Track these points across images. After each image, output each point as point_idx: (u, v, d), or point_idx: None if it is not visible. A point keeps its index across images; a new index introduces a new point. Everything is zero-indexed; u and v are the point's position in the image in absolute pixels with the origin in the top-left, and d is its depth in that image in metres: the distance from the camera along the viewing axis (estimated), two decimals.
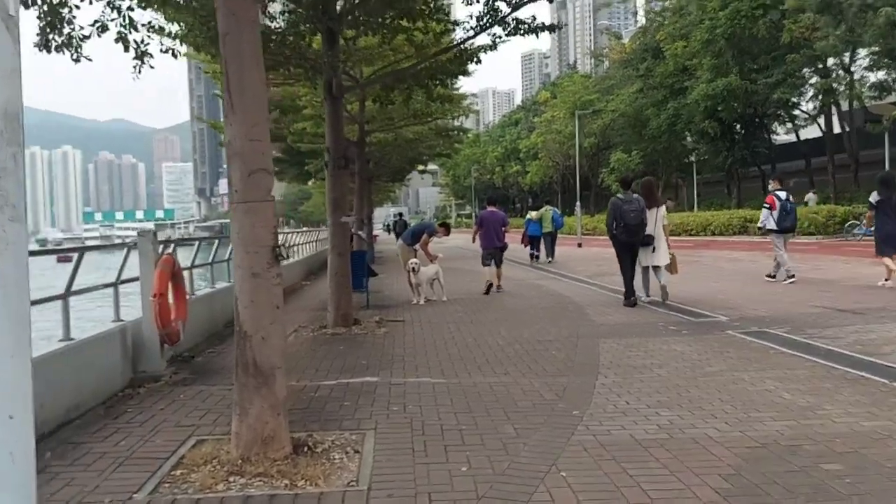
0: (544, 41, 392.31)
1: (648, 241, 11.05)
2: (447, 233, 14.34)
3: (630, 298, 11.18)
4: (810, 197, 32.14)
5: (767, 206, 13.50)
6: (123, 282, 6.84)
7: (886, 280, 12.11)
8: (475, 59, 10.12)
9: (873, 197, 12.57)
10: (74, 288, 6.01)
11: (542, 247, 23.00)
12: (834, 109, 35.86)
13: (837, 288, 12.29)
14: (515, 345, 8.06)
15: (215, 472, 3.91)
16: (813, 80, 34.39)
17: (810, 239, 26.82)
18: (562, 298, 12.61)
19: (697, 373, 6.38)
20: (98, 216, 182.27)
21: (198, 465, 4.05)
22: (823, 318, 9.26)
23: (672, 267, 11.40)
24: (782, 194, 13.40)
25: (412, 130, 19.03)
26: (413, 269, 12.48)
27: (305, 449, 4.23)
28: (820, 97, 33.89)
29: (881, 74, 30.21)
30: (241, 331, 4.10)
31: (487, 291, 13.63)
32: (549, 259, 22.71)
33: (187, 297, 7.00)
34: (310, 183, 37.25)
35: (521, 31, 9.67)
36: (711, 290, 12.99)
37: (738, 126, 41.74)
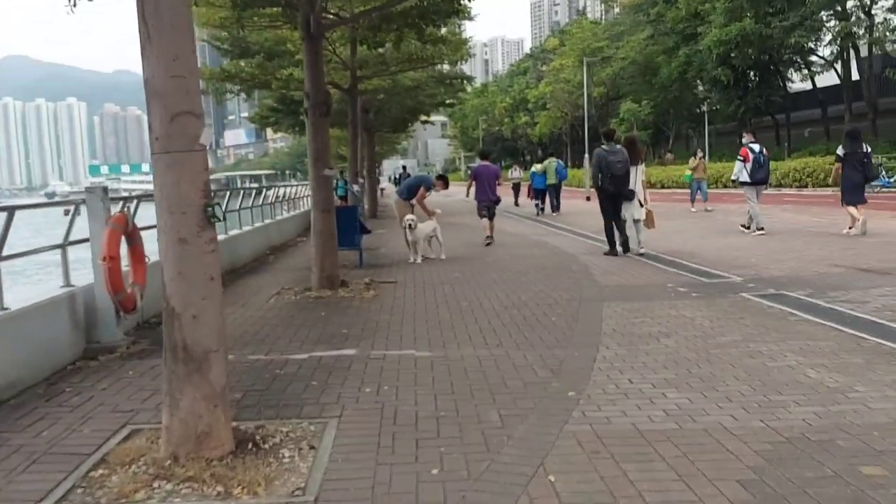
0: None
1: (631, 195, 11.31)
2: (445, 186, 13.66)
3: (612, 249, 11.50)
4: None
5: (741, 158, 13.69)
6: (72, 243, 6.20)
7: (850, 228, 12.74)
8: None
9: (840, 150, 13.00)
10: (11, 252, 5.35)
11: (548, 199, 22.38)
12: (853, 55, 34.45)
13: (859, 244, 11.55)
14: (513, 310, 7.42)
15: (139, 476, 3.31)
16: (831, 24, 32.87)
17: (826, 191, 25.87)
18: (566, 256, 11.93)
19: (709, 343, 5.73)
20: (104, 169, 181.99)
21: (122, 465, 3.45)
22: (846, 278, 8.56)
23: (648, 222, 11.72)
24: (756, 147, 13.57)
25: (410, 77, 18.10)
26: (409, 225, 11.78)
27: (251, 445, 3.61)
28: (839, 41, 32.41)
29: None
30: (168, 307, 3.45)
31: (489, 243, 13.86)
32: (555, 212, 22.06)
33: (147, 260, 6.33)
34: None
35: None
36: (725, 246, 12.29)
37: (752, 73, 40.33)
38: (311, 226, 8.86)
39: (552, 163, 21.96)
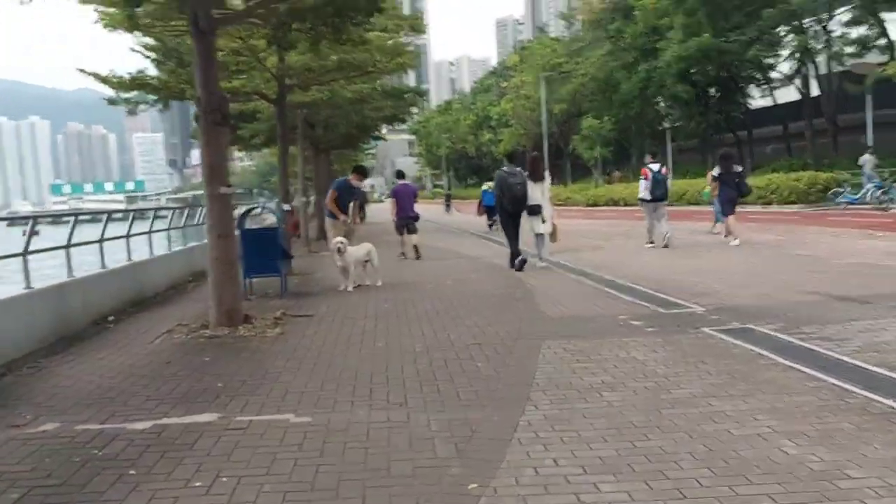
0: (518, 6, 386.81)
1: (537, 210, 11.84)
2: (361, 179, 12.81)
3: (515, 262, 11.89)
4: (866, 159, 25.38)
5: (643, 178, 14.77)
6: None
7: (728, 235, 14.42)
8: None
9: (716, 171, 15.01)
10: None
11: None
12: (812, 71, 34.22)
13: (832, 268, 10.60)
14: (436, 351, 6.25)
15: None
16: (789, 38, 32.56)
17: (792, 208, 25.29)
18: (513, 282, 10.81)
19: (663, 401, 4.61)
20: (66, 188, 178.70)
21: None
22: (821, 308, 7.55)
23: (553, 236, 12.34)
24: (654, 167, 14.75)
25: (350, 89, 16.94)
26: (339, 249, 10.56)
27: None
28: (797, 56, 32.11)
29: (862, 30, 28.49)
30: None
31: (413, 257, 14.67)
32: None
33: None
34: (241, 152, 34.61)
35: None
36: (686, 269, 11.30)
37: (712, 90, 39.98)
38: (208, 253, 7.59)
39: None
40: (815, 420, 4.12)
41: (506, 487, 3.34)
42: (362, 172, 12.65)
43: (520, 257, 11.85)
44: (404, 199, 15.00)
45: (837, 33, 30.00)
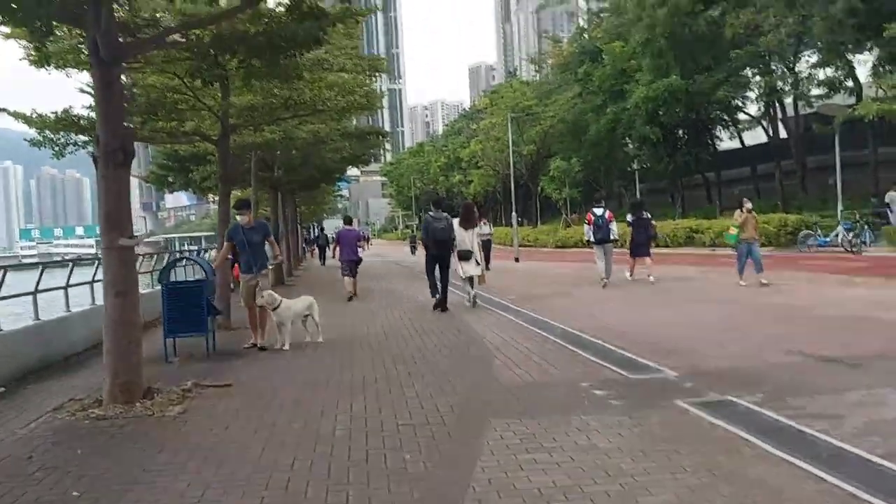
0: (490, 53, 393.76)
1: (468, 255, 12.58)
2: (247, 214, 9.91)
3: (438, 305, 12.54)
4: (893, 196, 23.90)
5: (587, 222, 16.02)
6: None
7: (652, 277, 15.83)
8: (324, 14, 7.16)
9: (629, 217, 16.80)
10: None
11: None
12: (780, 113, 34.20)
13: (812, 320, 9.77)
14: (358, 438, 5.19)
15: None
16: (756, 79, 32.53)
17: (763, 251, 24.65)
18: (469, 337, 9.82)
19: None
20: (36, 233, 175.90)
21: None
22: (806, 373, 6.67)
23: (481, 278, 13.30)
24: (598, 211, 15.79)
25: (306, 130, 16.03)
26: (271, 305, 9.38)
27: None
28: (764, 96, 32.02)
29: (829, 71, 28.46)
30: None
31: (350, 299, 15.39)
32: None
33: None
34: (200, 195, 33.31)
35: None
36: (656, 321, 10.42)
37: (681, 131, 39.88)
38: (104, 314, 6.49)
39: None
40: None
41: None
42: (243, 207, 10.12)
43: (439, 298, 12.57)
44: (347, 243, 15.82)
45: (805, 74, 29.94)
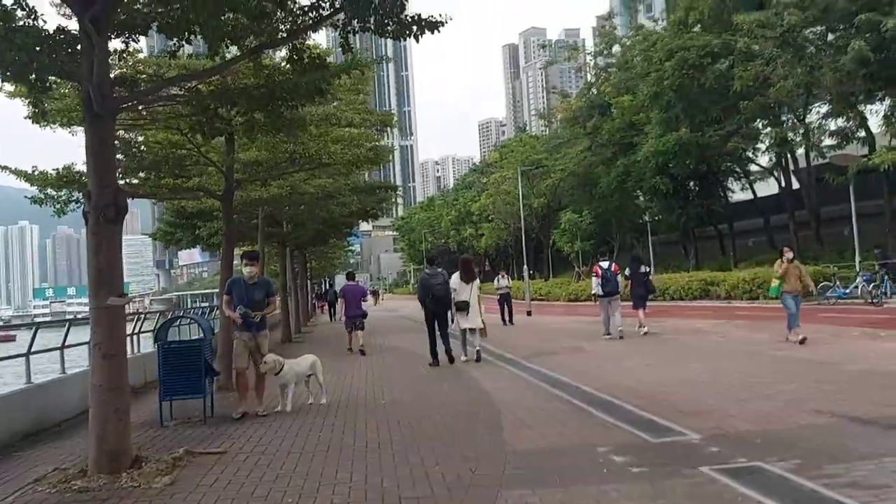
0: (500, 109, 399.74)
1: (465, 307, 12.57)
2: (254, 265, 9.14)
3: (435, 360, 12.68)
4: None
5: (595, 275, 16.17)
6: None
7: (640, 327, 16.15)
8: (325, 65, 7.02)
9: (627, 272, 16.72)
10: None
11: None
12: (791, 164, 33.99)
13: (841, 377, 9.28)
14: None
15: None
16: (767, 131, 32.39)
17: (778, 303, 24.09)
18: (479, 397, 9.39)
19: None
20: (49, 292, 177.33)
21: None
22: (840, 436, 6.20)
23: (483, 332, 13.08)
24: (604, 264, 16.11)
25: (314, 184, 15.91)
26: (274, 371, 8.91)
27: None
28: (776, 147, 31.83)
29: (840, 122, 28.29)
30: None
31: (351, 350, 15.95)
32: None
33: None
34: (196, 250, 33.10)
35: (390, 31, 6.75)
36: (675, 378, 9.95)
37: (692, 183, 39.70)
38: (90, 378, 6.16)
39: None
40: None
41: None
42: (252, 258, 9.17)
43: (445, 351, 12.69)
44: (352, 299, 16.07)
45: (816, 124, 29.81)
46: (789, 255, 13.47)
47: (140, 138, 12.34)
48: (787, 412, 7.25)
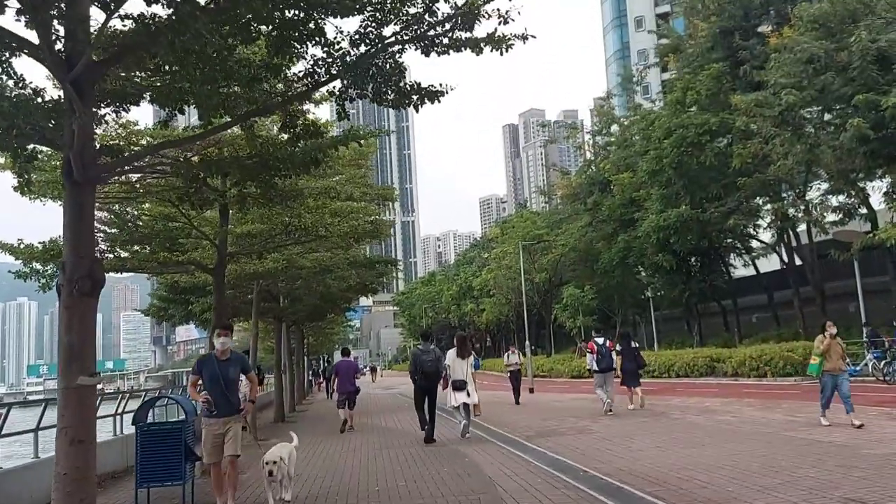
0: (501, 186, 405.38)
1: (461, 385, 12.68)
2: (226, 335, 8.01)
3: (429, 438, 12.71)
4: None
5: (590, 351, 16.79)
6: None
7: (632, 406, 16.64)
8: (319, 133, 6.81)
9: (618, 347, 17.19)
10: None
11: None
12: (794, 241, 33.82)
13: (862, 461, 8.71)
14: None
15: None
16: (767, 207, 32.35)
17: (788, 381, 23.53)
18: (476, 482, 8.81)
19: None
20: (44, 369, 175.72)
21: None
22: None
23: (476, 408, 13.15)
24: (600, 340, 16.56)
25: (311, 258, 15.63)
26: (270, 471, 7.80)
27: None
28: (777, 223, 31.70)
29: (842, 198, 28.22)
30: None
31: (343, 430, 15.79)
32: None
33: None
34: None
35: (407, 100, 6.59)
36: (688, 461, 9.35)
37: (694, 259, 39.45)
38: (55, 465, 5.67)
39: None
40: None
41: None
42: (224, 327, 8.12)
43: (428, 430, 12.80)
44: (345, 375, 16.18)
45: (817, 201, 29.77)
46: (832, 329, 11.96)
47: (136, 212, 12.18)
48: (812, 500, 6.70)
